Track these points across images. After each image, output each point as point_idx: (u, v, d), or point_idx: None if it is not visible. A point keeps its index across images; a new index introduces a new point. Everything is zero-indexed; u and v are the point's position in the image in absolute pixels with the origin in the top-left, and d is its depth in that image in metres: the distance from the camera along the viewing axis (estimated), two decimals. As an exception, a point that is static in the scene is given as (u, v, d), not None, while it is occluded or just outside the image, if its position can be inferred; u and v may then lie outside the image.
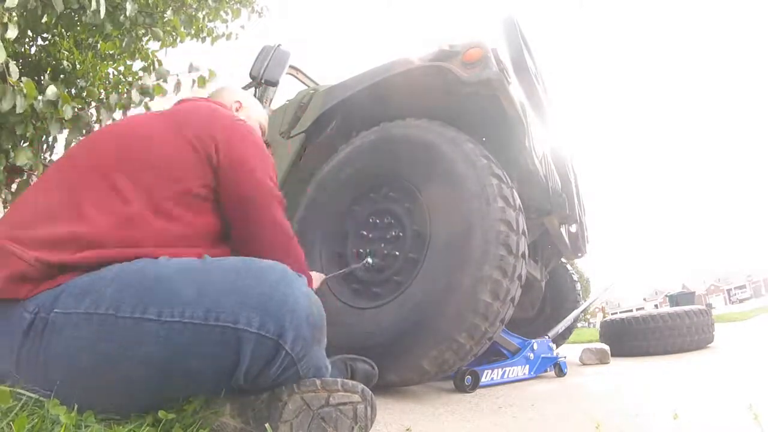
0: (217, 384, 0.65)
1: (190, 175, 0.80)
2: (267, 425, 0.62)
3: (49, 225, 0.70)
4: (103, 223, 0.71)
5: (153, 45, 2.54)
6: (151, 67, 2.48)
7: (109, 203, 0.73)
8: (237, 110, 1.12)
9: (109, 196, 0.74)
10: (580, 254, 2.58)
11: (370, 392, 0.71)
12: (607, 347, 2.76)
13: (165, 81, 2.01)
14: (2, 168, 1.77)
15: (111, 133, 0.87)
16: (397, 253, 1.47)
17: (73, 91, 2.24)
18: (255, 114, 1.16)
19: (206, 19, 2.62)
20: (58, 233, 0.68)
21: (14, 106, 1.44)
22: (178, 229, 0.77)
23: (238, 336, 0.61)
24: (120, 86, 2.18)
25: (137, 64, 2.57)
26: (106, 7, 1.90)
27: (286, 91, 2.41)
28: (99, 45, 2.44)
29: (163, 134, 0.84)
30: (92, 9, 1.76)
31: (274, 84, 2.09)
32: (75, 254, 0.67)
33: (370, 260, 1.48)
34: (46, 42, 2.36)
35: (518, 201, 1.39)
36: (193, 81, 2.11)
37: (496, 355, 1.91)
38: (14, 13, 1.48)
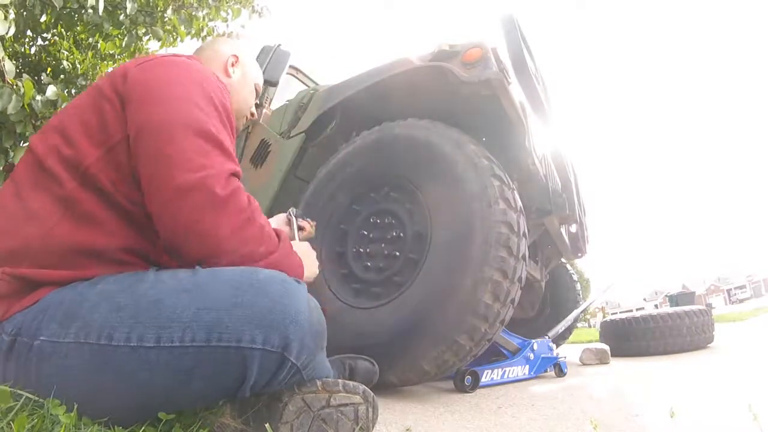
0: (221, 398, 0.65)
1: (111, 129, 0.68)
2: (267, 426, 0.62)
3: (5, 233, 0.65)
4: (46, 223, 0.65)
5: (153, 45, 2.54)
6: (152, 67, 2.48)
7: (48, 188, 0.66)
8: (232, 65, 0.95)
9: (47, 180, 0.67)
10: (580, 254, 2.57)
11: (372, 393, 0.71)
12: (607, 347, 2.76)
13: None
14: (1, 168, 1.77)
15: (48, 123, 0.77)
16: (397, 253, 1.47)
17: (74, 91, 2.24)
18: (252, 73, 0.99)
19: (206, 18, 2.62)
20: (11, 243, 0.64)
21: (10, 106, 1.43)
22: (121, 207, 0.69)
23: (243, 354, 0.58)
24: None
25: (137, 64, 2.58)
26: (106, 6, 1.90)
27: (287, 91, 2.41)
28: (99, 45, 2.44)
29: (82, 98, 0.73)
30: (90, 5, 1.75)
31: (274, 84, 2.08)
32: (37, 268, 0.63)
33: (293, 211, 1.26)
34: (46, 42, 2.36)
35: (519, 203, 1.39)
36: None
37: (496, 355, 1.91)
38: (11, 10, 1.47)
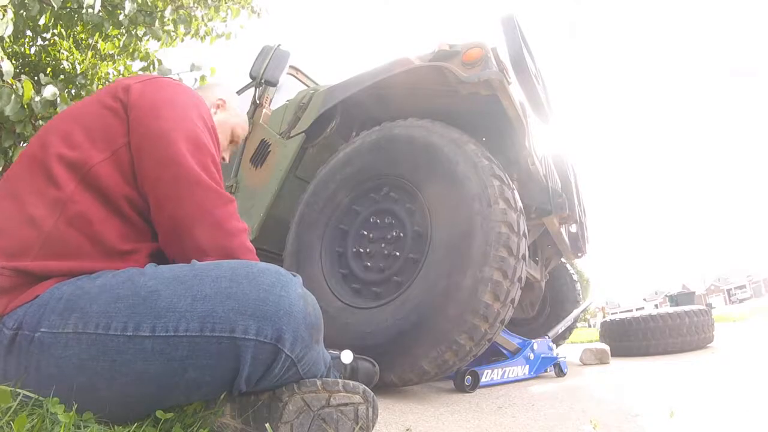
0: (217, 391, 0.65)
1: (115, 134, 0.73)
2: (267, 425, 0.62)
3: (3, 232, 0.67)
4: (44, 227, 0.66)
5: (153, 45, 2.54)
6: (151, 66, 2.48)
7: (44, 191, 0.68)
8: (218, 107, 1.06)
9: (44, 183, 0.69)
10: (580, 254, 2.57)
11: (372, 393, 0.70)
12: (607, 347, 2.76)
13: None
14: (1, 168, 1.77)
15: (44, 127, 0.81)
16: (397, 253, 1.47)
17: (73, 91, 2.24)
18: (234, 119, 1.09)
19: (205, 18, 2.62)
20: (10, 242, 0.66)
21: (8, 107, 1.43)
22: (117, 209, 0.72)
23: (236, 345, 0.59)
24: (119, 85, 2.18)
25: (137, 64, 2.58)
26: (106, 6, 1.90)
27: (287, 91, 2.41)
28: (99, 45, 2.44)
29: (81, 107, 0.77)
30: (88, 4, 1.75)
31: (274, 84, 2.08)
32: (39, 261, 0.65)
33: None
34: (46, 42, 2.36)
35: (519, 203, 1.39)
36: (195, 80, 2.11)
37: (496, 355, 1.91)
38: (9, 9, 1.47)
